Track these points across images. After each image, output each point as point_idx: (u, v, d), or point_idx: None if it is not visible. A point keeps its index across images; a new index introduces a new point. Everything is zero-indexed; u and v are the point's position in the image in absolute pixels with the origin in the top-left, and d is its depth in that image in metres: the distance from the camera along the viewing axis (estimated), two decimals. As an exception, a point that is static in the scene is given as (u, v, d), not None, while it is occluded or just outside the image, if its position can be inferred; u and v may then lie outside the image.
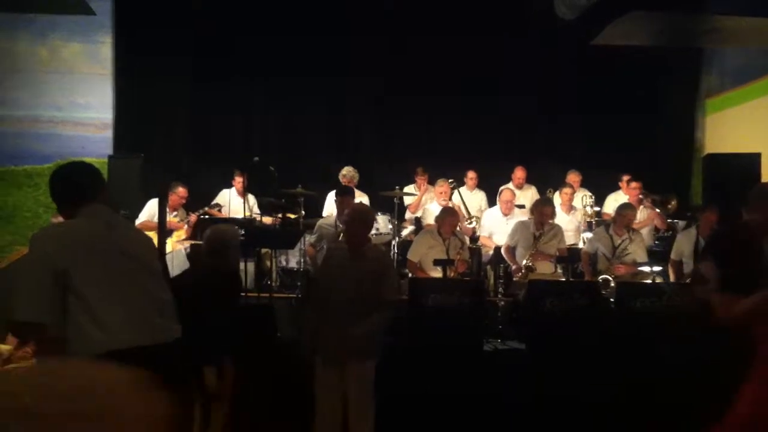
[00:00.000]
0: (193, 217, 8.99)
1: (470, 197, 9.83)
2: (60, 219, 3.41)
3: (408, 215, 9.76)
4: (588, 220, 9.49)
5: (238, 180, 9.48)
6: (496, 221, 9.10)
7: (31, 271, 3.04)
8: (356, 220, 4.82)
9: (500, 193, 9.28)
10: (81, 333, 3.01)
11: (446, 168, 10.05)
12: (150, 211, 8.68)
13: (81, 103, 10.56)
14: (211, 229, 5.19)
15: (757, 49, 10.27)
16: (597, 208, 9.65)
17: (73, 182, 3.34)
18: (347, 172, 9.55)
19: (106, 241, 3.22)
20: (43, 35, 10.48)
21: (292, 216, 9.01)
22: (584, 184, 10.13)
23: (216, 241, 4.88)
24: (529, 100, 10.93)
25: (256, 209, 9.45)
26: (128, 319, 3.11)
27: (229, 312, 4.52)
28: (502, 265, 8.18)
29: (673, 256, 8.16)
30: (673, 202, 9.32)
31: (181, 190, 9.01)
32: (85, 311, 3.02)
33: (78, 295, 3.02)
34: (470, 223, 9.36)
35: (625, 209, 8.24)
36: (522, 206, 9.40)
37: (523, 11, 10.21)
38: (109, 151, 10.24)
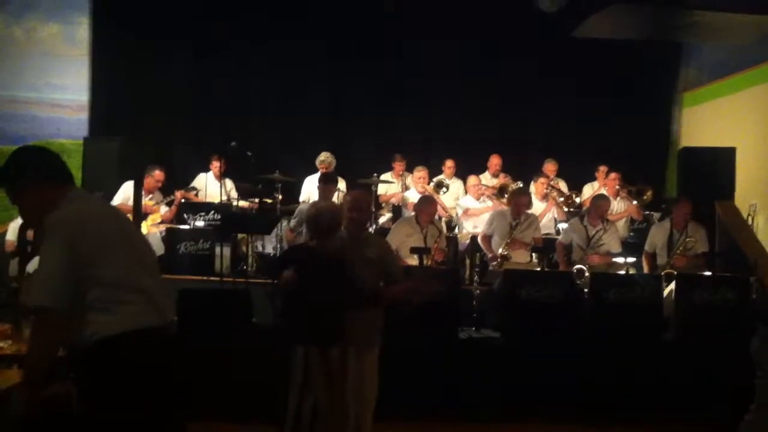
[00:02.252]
0: (179, 194, 8.96)
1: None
2: None
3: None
4: (564, 209, 9.53)
5: (215, 164, 9.43)
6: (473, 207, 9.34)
7: (51, 256, 2.99)
8: (358, 207, 4.72)
9: (467, 181, 9.52)
10: (100, 315, 3.04)
11: (425, 156, 10.07)
12: (125, 193, 8.60)
13: (57, 85, 10.47)
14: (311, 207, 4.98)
15: (735, 44, 10.35)
16: (578, 199, 9.66)
17: (57, 164, 3.25)
18: (325, 158, 9.51)
19: (116, 224, 3.24)
20: (19, 16, 10.38)
21: (269, 201, 8.98)
22: (560, 174, 10.17)
23: (308, 221, 4.66)
24: (507, 91, 10.96)
25: (233, 193, 9.41)
26: (145, 299, 3.15)
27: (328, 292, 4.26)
28: (478, 254, 8.21)
29: (647, 248, 8.24)
30: (648, 193, 9.40)
31: (158, 174, 8.94)
32: (104, 294, 3.04)
33: (97, 277, 3.03)
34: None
35: (599, 200, 8.29)
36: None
37: (504, 4, 10.22)
38: (85, 133, 10.20)
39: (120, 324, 3.05)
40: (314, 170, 9.53)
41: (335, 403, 4.19)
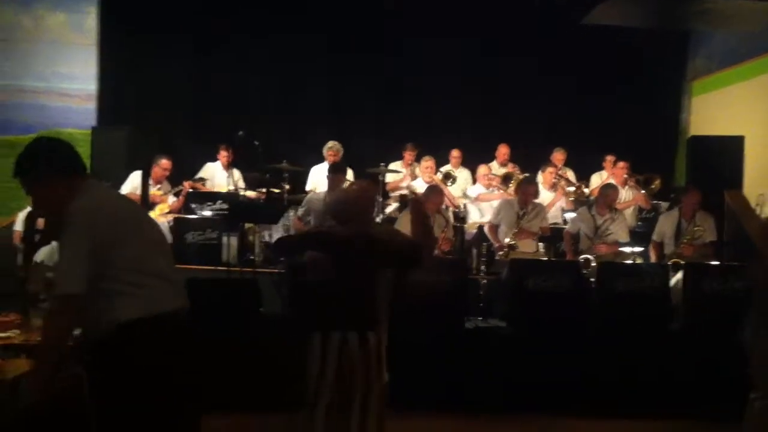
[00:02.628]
0: (187, 184, 8.95)
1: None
2: None
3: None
4: (571, 198, 9.51)
5: (223, 154, 9.43)
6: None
7: (71, 245, 3.06)
8: (363, 199, 4.57)
9: (477, 171, 9.50)
10: (121, 300, 3.11)
11: (430, 147, 10.04)
12: (133, 183, 8.62)
13: (65, 74, 10.46)
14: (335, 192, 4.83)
15: (744, 32, 10.28)
16: (586, 190, 9.65)
17: (71, 155, 3.29)
18: (332, 146, 9.47)
19: (130, 212, 3.32)
20: (27, 4, 10.37)
21: (277, 191, 8.98)
22: (568, 164, 10.14)
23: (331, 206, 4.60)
24: (514, 83, 10.94)
25: (241, 183, 9.41)
26: (161, 283, 3.24)
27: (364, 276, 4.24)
28: (485, 244, 8.20)
29: (654, 237, 8.21)
30: (656, 182, 9.37)
31: (165, 163, 8.95)
32: (123, 279, 3.12)
33: (115, 264, 3.10)
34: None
35: (607, 189, 8.27)
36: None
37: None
38: (93, 122, 10.20)
39: (140, 308, 3.12)
40: (321, 160, 9.53)
41: (374, 387, 4.14)
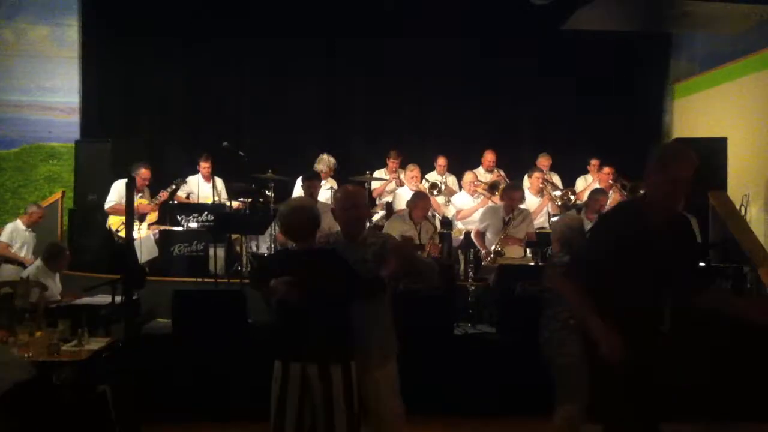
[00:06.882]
0: (164, 194, 8.87)
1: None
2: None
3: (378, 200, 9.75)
4: (558, 203, 9.51)
5: (203, 165, 9.36)
6: (466, 204, 9.23)
7: None
8: (351, 205, 4.08)
9: (463, 178, 9.46)
10: None
11: (419, 152, 10.03)
12: (119, 192, 8.55)
13: (48, 87, 10.44)
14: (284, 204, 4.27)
15: (726, 34, 10.35)
16: (572, 197, 9.65)
17: None
18: (321, 159, 9.43)
19: None
20: (8, 18, 10.36)
21: (264, 202, 8.94)
22: (553, 168, 10.16)
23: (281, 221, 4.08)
24: (498, 87, 10.97)
25: (224, 193, 9.36)
26: None
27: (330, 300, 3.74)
28: (472, 250, 8.19)
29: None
30: (641, 191, 9.36)
31: (144, 172, 8.81)
32: None
33: None
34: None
35: (597, 194, 8.24)
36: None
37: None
38: (76, 135, 10.17)
39: None
40: (308, 169, 9.48)
41: (337, 427, 3.69)
